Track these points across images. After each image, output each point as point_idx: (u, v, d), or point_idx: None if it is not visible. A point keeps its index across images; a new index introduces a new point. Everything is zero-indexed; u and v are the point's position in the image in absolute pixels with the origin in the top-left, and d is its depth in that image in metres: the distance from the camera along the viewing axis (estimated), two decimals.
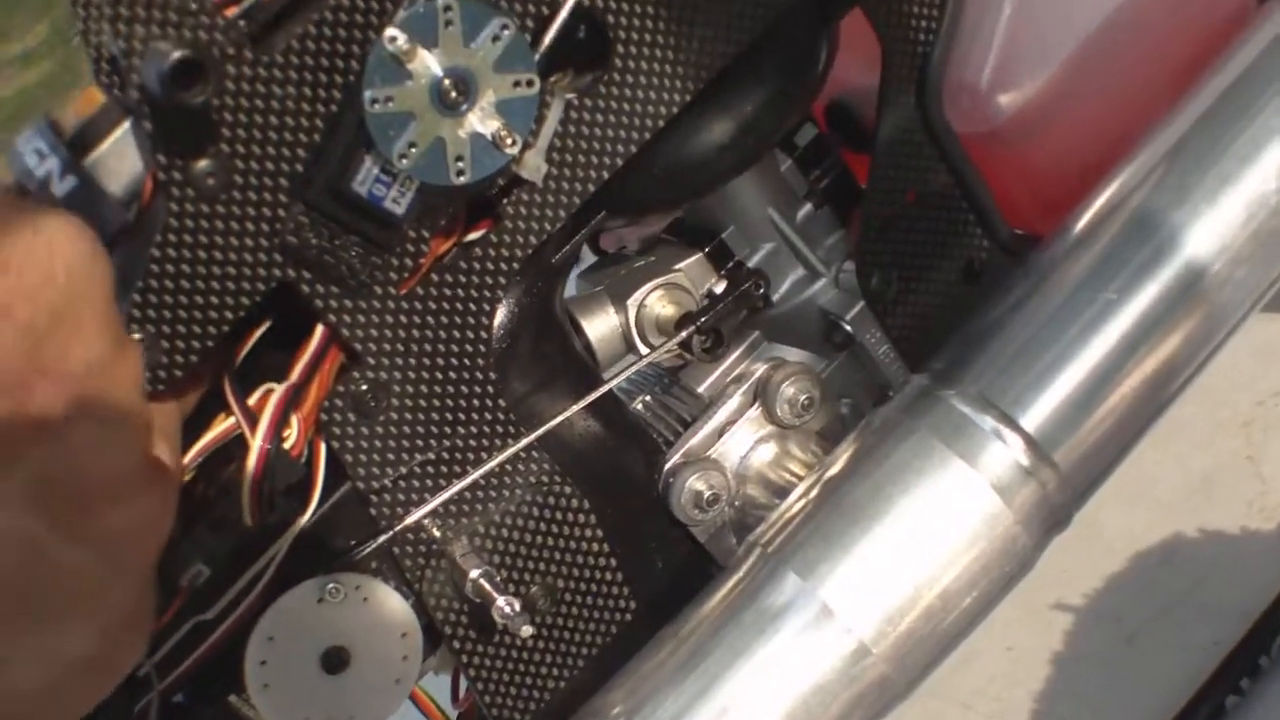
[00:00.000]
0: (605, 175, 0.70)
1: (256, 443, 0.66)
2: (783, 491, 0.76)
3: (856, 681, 0.68)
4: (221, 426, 0.69)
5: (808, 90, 0.74)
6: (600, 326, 0.80)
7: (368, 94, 0.62)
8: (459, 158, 0.64)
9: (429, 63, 0.62)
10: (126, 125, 0.66)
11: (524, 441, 0.72)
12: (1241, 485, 1.16)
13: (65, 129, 0.67)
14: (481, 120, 0.64)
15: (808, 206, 0.83)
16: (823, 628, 0.68)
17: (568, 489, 0.74)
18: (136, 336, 0.65)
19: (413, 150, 0.63)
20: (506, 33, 0.63)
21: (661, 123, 0.71)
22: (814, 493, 0.72)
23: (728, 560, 0.78)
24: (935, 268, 0.79)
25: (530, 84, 0.65)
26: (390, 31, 0.61)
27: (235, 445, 0.70)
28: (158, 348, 0.65)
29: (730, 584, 0.71)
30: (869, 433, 0.73)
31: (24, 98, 6.72)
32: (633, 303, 0.79)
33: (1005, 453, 0.70)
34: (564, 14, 0.66)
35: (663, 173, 0.73)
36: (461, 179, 0.64)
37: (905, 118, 0.77)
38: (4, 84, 6.94)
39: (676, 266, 0.81)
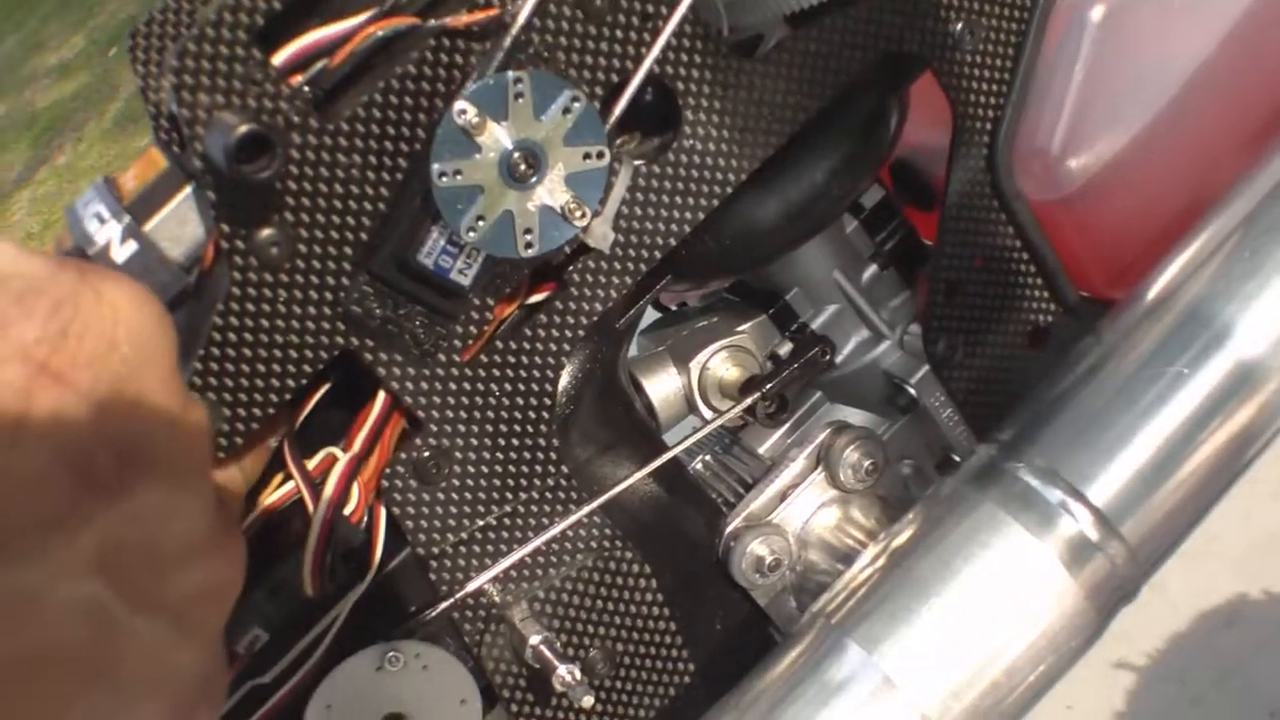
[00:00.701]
0: (672, 242, 0.70)
1: (320, 513, 0.66)
2: (845, 557, 0.75)
3: None
4: (281, 491, 0.69)
5: (877, 156, 0.74)
6: (662, 388, 0.80)
7: (435, 167, 0.62)
8: (527, 230, 0.64)
9: (498, 135, 0.62)
10: (188, 191, 0.66)
11: (586, 509, 0.72)
12: None
13: (124, 190, 0.68)
14: (550, 193, 0.64)
15: (873, 268, 0.82)
16: (886, 701, 0.68)
17: (629, 554, 0.74)
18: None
19: (481, 224, 0.63)
20: (577, 105, 0.63)
21: (729, 189, 0.70)
22: (879, 563, 0.72)
23: (787, 624, 0.78)
24: (1001, 332, 0.79)
25: (600, 156, 0.64)
26: (460, 104, 0.61)
27: (293, 507, 0.70)
28: (219, 415, 0.65)
29: (793, 655, 0.71)
30: (934, 503, 0.73)
31: (60, 109, 6.78)
32: (695, 364, 0.79)
33: (1073, 526, 0.69)
34: (634, 85, 0.66)
35: (729, 239, 0.73)
36: (529, 251, 0.64)
37: (975, 182, 0.76)
38: (41, 95, 7.00)
39: (740, 329, 0.80)
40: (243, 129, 0.59)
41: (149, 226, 0.66)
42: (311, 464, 0.69)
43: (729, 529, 0.77)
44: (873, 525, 0.76)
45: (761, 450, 0.82)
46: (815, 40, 0.71)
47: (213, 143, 0.61)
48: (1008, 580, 0.68)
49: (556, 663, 0.69)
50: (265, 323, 0.65)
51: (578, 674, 0.69)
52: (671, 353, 0.80)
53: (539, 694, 0.73)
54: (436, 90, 0.65)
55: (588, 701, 0.69)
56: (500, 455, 0.71)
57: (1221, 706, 1.06)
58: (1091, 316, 0.79)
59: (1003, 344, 0.79)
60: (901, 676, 0.68)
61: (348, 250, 0.65)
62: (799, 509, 0.77)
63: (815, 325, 0.82)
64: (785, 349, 0.82)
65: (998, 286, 0.78)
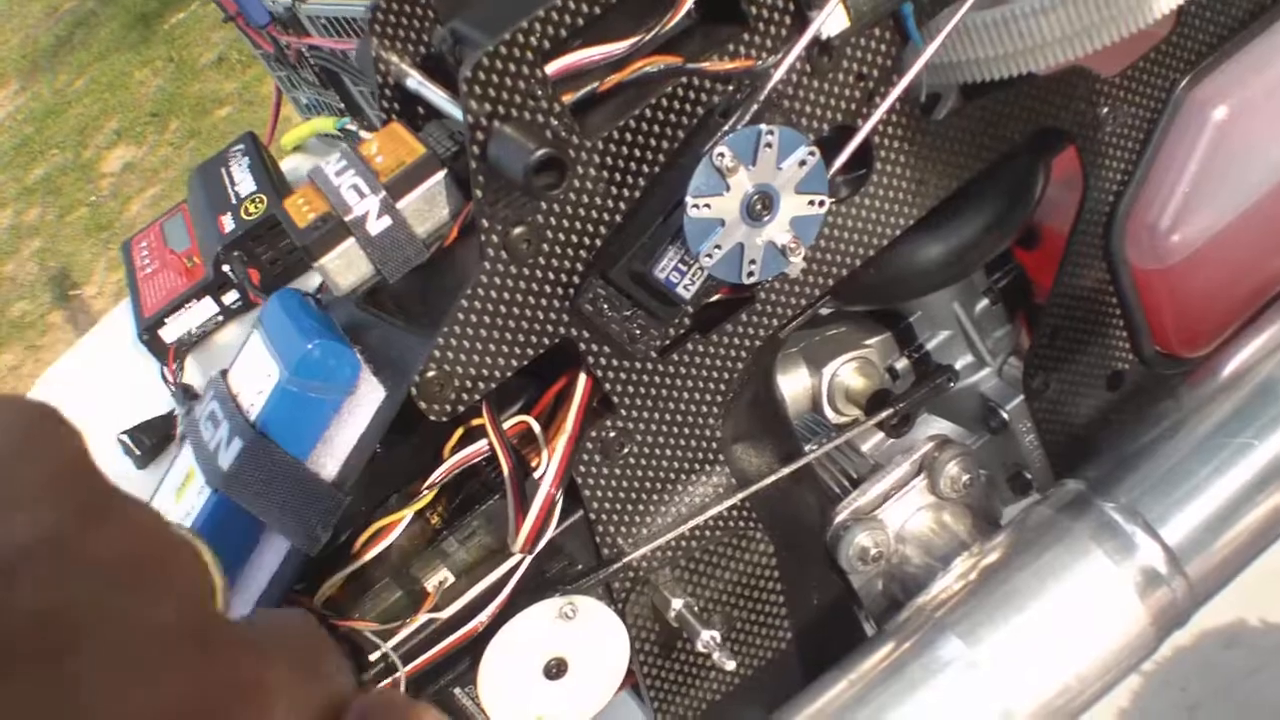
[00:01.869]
0: (845, 272, 0.80)
1: (545, 487, 0.75)
2: (939, 557, 0.87)
3: None
4: (469, 449, 0.78)
5: (1024, 215, 0.84)
6: (794, 385, 0.90)
7: (690, 199, 0.70)
8: (752, 261, 0.73)
9: (744, 178, 0.71)
10: (440, 177, 0.74)
11: (740, 495, 0.82)
12: None
13: (374, 163, 0.75)
14: (777, 232, 0.73)
15: (985, 302, 0.93)
16: (977, 686, 0.80)
17: (758, 534, 0.84)
18: (430, 374, 0.73)
19: (717, 251, 0.72)
20: (811, 159, 0.72)
21: (899, 231, 0.80)
22: (976, 571, 0.83)
23: (873, 606, 0.90)
24: (1088, 374, 0.90)
25: (822, 204, 0.73)
26: (721, 149, 0.70)
27: (486, 463, 0.79)
28: (450, 385, 0.73)
29: (899, 639, 0.82)
30: (1028, 527, 0.84)
31: None
32: (828, 370, 0.89)
33: (1146, 559, 0.81)
34: (856, 141, 0.75)
35: (891, 273, 0.82)
36: (750, 279, 0.73)
37: (1091, 245, 0.87)
38: None
39: (868, 342, 0.91)
40: (542, 152, 0.67)
41: (402, 204, 0.74)
42: (506, 426, 0.78)
43: (838, 518, 0.87)
44: (962, 531, 0.88)
45: (865, 448, 0.93)
46: (986, 109, 0.80)
47: (504, 154, 0.68)
48: (1089, 599, 0.81)
49: (700, 627, 0.80)
50: (503, 308, 0.73)
51: (719, 638, 0.80)
52: (805, 355, 0.90)
53: (664, 648, 0.84)
54: (680, 123, 0.73)
55: (730, 665, 0.80)
56: (673, 440, 0.80)
57: (1219, 716, 1.20)
58: (1162, 368, 0.91)
59: (1086, 385, 0.91)
60: (992, 667, 0.80)
61: (583, 254, 0.73)
62: (900, 509, 0.88)
63: (929, 346, 0.93)
64: (902, 364, 0.93)
65: (1092, 336, 0.89)
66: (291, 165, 1.63)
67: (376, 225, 0.74)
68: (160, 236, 1.54)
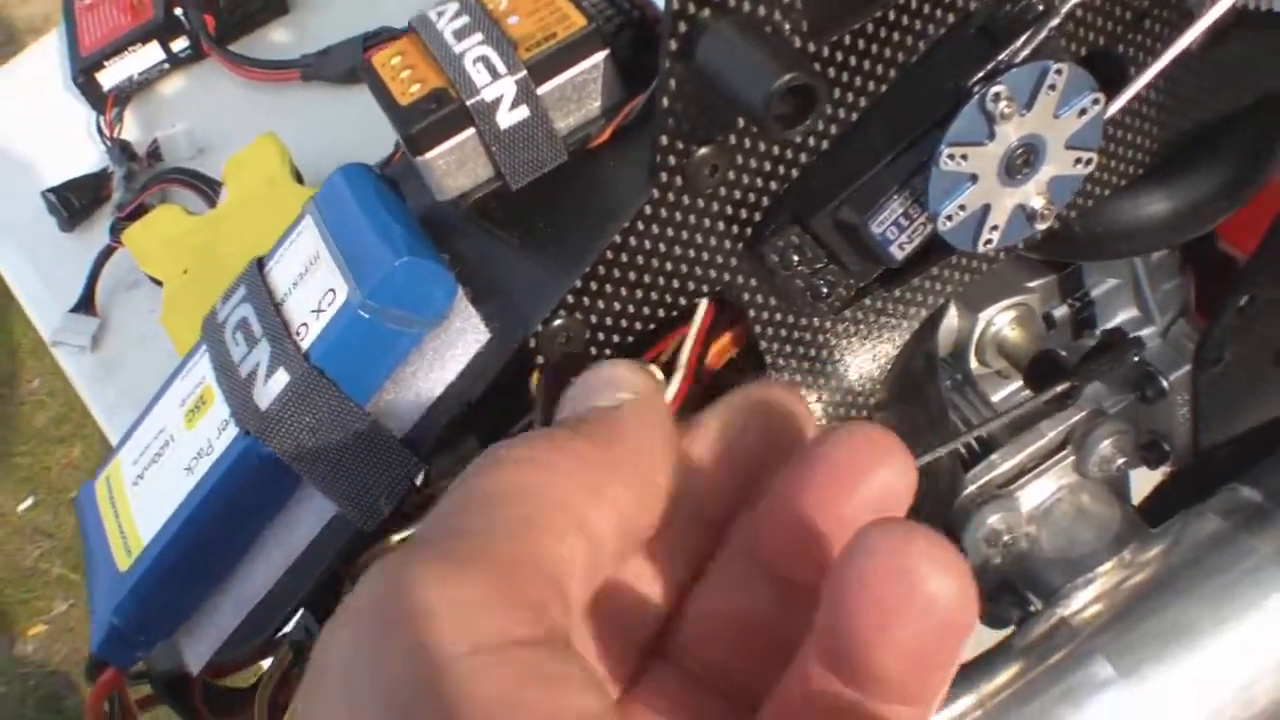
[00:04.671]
0: (1058, 224, 0.63)
1: None
2: (1077, 550, 0.74)
3: None
4: None
5: (1260, 180, 0.68)
6: (942, 328, 0.73)
7: (947, 148, 0.53)
8: (994, 227, 0.56)
9: (1012, 126, 0.54)
10: (599, 59, 0.55)
11: None
12: None
13: (510, 31, 0.56)
14: (1031, 193, 0.56)
15: (1164, 250, 0.78)
16: None
17: None
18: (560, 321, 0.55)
19: (959, 213, 0.55)
20: (1095, 108, 0.55)
21: (1125, 182, 0.64)
22: (1132, 582, 0.71)
23: (982, 581, 0.77)
24: (1259, 351, 0.76)
25: (1089, 163, 0.57)
26: (999, 87, 0.52)
27: None
28: (580, 337, 0.56)
29: (1036, 657, 0.70)
30: (1196, 539, 0.71)
31: None
32: (984, 316, 0.73)
33: None
34: (1143, 82, 0.58)
35: (1103, 228, 0.66)
36: (987, 247, 0.57)
37: None
38: None
39: (1030, 285, 0.75)
40: (790, 77, 0.48)
41: (544, 89, 0.55)
42: None
43: (967, 491, 0.73)
44: (1111, 524, 0.75)
45: (995, 399, 0.78)
46: (1241, 47, 0.64)
47: (726, 66, 0.49)
48: (1269, 637, 0.69)
49: None
50: (662, 245, 0.56)
51: None
52: (959, 295, 0.74)
53: None
54: (924, 32, 0.55)
55: None
56: (819, 406, 0.65)
57: None
58: None
59: (1255, 363, 0.77)
60: (1148, 706, 0.68)
61: (774, 187, 0.56)
62: (1039, 488, 0.75)
63: (1095, 293, 0.77)
64: (1060, 312, 0.77)
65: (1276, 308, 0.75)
66: None
67: (509, 117, 0.55)
68: None
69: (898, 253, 0.57)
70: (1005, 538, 0.73)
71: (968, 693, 0.69)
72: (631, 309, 0.56)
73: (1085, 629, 0.70)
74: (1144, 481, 0.84)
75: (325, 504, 0.59)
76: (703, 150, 0.53)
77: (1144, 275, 0.78)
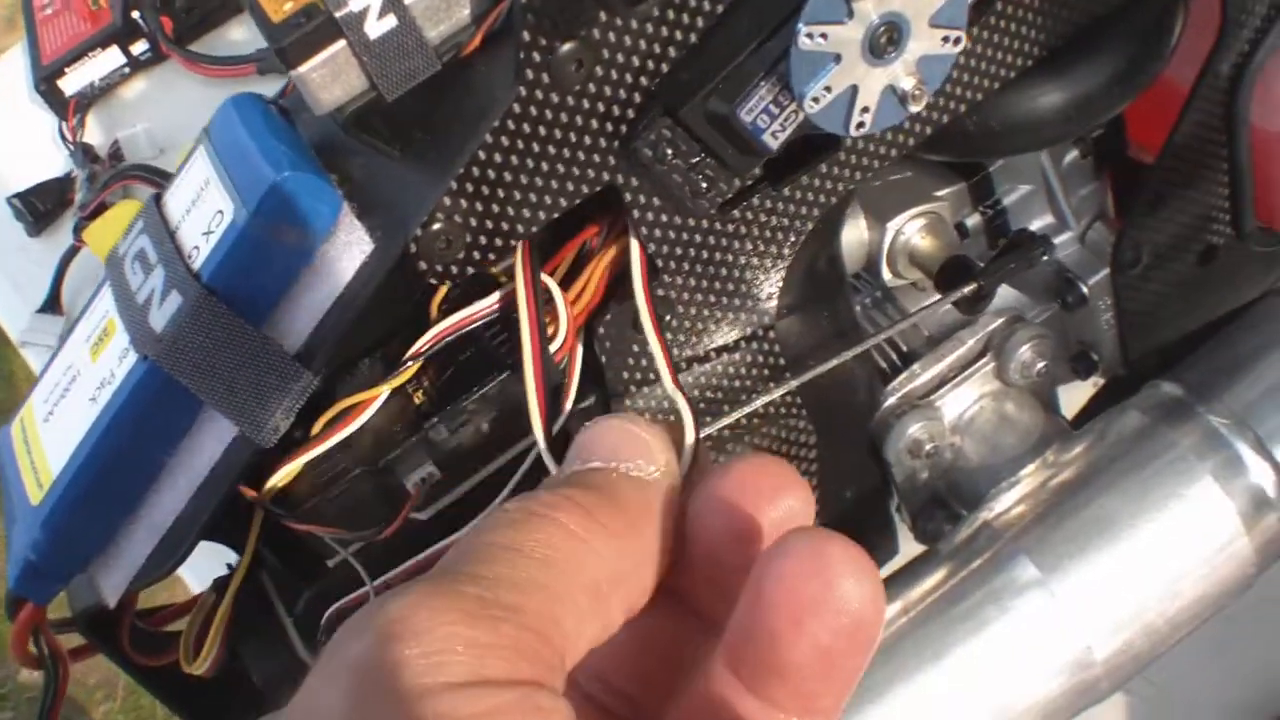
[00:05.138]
0: (948, 119, 0.64)
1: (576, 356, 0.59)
2: (1001, 456, 0.74)
3: (1074, 680, 0.68)
4: (475, 307, 0.61)
5: (1157, 66, 0.68)
6: (849, 238, 0.73)
7: (804, 27, 0.53)
8: (864, 109, 0.57)
9: (871, 4, 0.54)
10: None
11: (789, 385, 0.67)
12: None
13: None
14: (900, 74, 0.56)
15: (1074, 154, 0.78)
16: (1053, 621, 0.68)
17: (802, 422, 0.70)
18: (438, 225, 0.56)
19: (825, 95, 0.55)
20: None
21: (1017, 72, 0.64)
22: (1055, 482, 0.71)
23: (912, 498, 0.76)
24: (1182, 249, 0.76)
25: (957, 42, 0.57)
26: None
27: (487, 328, 0.63)
28: (460, 241, 0.57)
29: (962, 559, 0.70)
30: (1118, 434, 0.71)
31: None
32: (893, 225, 0.73)
33: (1255, 480, 0.69)
34: None
35: (997, 123, 0.67)
36: (859, 130, 0.57)
37: (1214, 100, 0.72)
38: None
39: (939, 194, 0.75)
40: None
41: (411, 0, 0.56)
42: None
43: (887, 402, 0.73)
44: (1033, 429, 0.74)
45: (912, 310, 0.77)
46: None
47: None
48: (1189, 527, 0.69)
49: None
50: (536, 146, 0.56)
51: None
52: (864, 203, 0.74)
53: None
54: None
55: None
56: (719, 312, 0.65)
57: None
58: (1259, 244, 0.78)
59: (1178, 261, 0.77)
60: (1073, 602, 0.68)
61: (644, 82, 0.56)
62: (960, 396, 0.75)
63: (1006, 201, 0.77)
64: (973, 220, 0.77)
65: (1194, 205, 0.75)
66: None
67: (377, 27, 0.55)
68: None
69: (771, 141, 0.57)
70: (928, 447, 0.73)
71: (894, 599, 0.69)
72: (511, 211, 0.57)
73: (1009, 530, 0.69)
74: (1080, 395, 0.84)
75: (226, 425, 0.59)
76: (567, 46, 0.54)
77: (1055, 181, 0.77)
